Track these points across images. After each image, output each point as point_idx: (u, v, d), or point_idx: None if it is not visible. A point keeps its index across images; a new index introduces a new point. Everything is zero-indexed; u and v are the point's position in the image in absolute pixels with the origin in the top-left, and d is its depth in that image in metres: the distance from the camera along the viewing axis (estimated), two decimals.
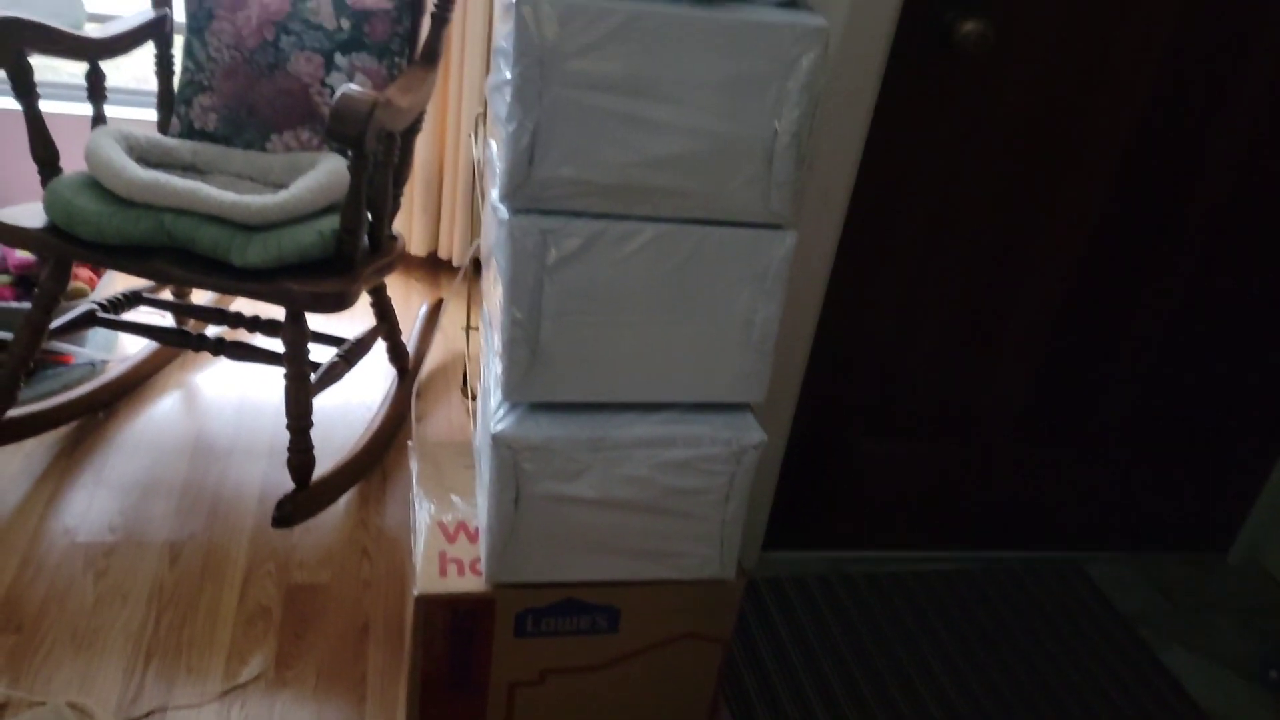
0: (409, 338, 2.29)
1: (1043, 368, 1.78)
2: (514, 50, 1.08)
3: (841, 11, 1.36)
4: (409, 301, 2.54)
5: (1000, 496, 1.92)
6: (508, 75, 1.11)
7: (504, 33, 1.16)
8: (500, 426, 1.23)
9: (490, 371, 1.35)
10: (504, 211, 1.17)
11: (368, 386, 2.20)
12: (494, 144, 1.31)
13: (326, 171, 1.74)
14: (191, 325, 2.19)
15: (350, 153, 1.61)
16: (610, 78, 1.10)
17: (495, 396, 1.27)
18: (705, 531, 1.33)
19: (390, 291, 2.06)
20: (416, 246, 2.65)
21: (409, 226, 2.62)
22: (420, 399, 2.19)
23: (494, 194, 1.23)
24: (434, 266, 2.71)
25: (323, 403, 2.10)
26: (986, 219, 1.62)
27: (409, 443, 1.59)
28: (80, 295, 2.10)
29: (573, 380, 1.26)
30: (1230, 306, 1.77)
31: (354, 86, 1.56)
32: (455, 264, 2.67)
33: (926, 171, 1.55)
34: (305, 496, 1.76)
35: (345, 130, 1.54)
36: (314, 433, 1.76)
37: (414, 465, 1.56)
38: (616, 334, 1.24)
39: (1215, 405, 1.88)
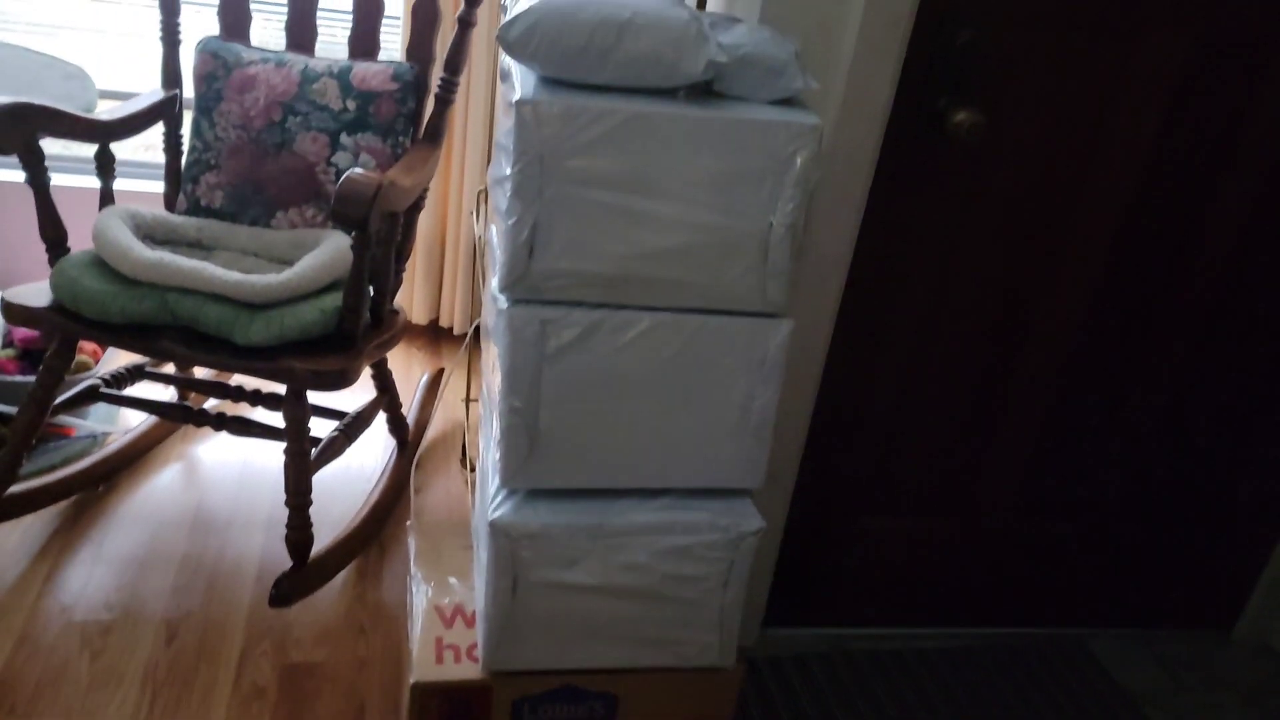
0: (409, 408, 2.30)
1: (1042, 443, 1.79)
2: (514, 148, 1.11)
3: (836, 100, 1.39)
4: (410, 370, 2.56)
5: (1002, 572, 1.91)
6: (508, 171, 1.13)
7: (505, 129, 1.19)
8: (498, 514, 1.23)
9: (489, 456, 1.35)
10: (503, 301, 1.19)
11: (367, 456, 2.20)
12: (494, 231, 1.33)
13: (330, 249, 1.77)
14: (193, 399, 2.20)
15: (354, 234, 1.63)
16: (609, 174, 1.13)
17: (493, 483, 1.28)
18: (704, 618, 1.33)
19: (392, 360, 2.08)
20: (418, 314, 2.67)
21: (410, 294, 2.65)
22: (419, 470, 2.19)
23: (494, 283, 1.25)
24: (435, 335, 2.73)
25: (322, 474, 2.10)
26: (983, 298, 1.63)
27: (407, 523, 1.58)
28: (84, 368, 2.11)
29: (571, 467, 1.26)
30: (1229, 380, 1.78)
31: (359, 170, 1.58)
32: (457, 332, 2.69)
33: (923, 252, 1.57)
34: (303, 574, 1.76)
35: (349, 213, 1.56)
36: (313, 504, 1.76)
37: (412, 545, 1.56)
38: (615, 421, 1.25)
39: (1217, 480, 1.87)
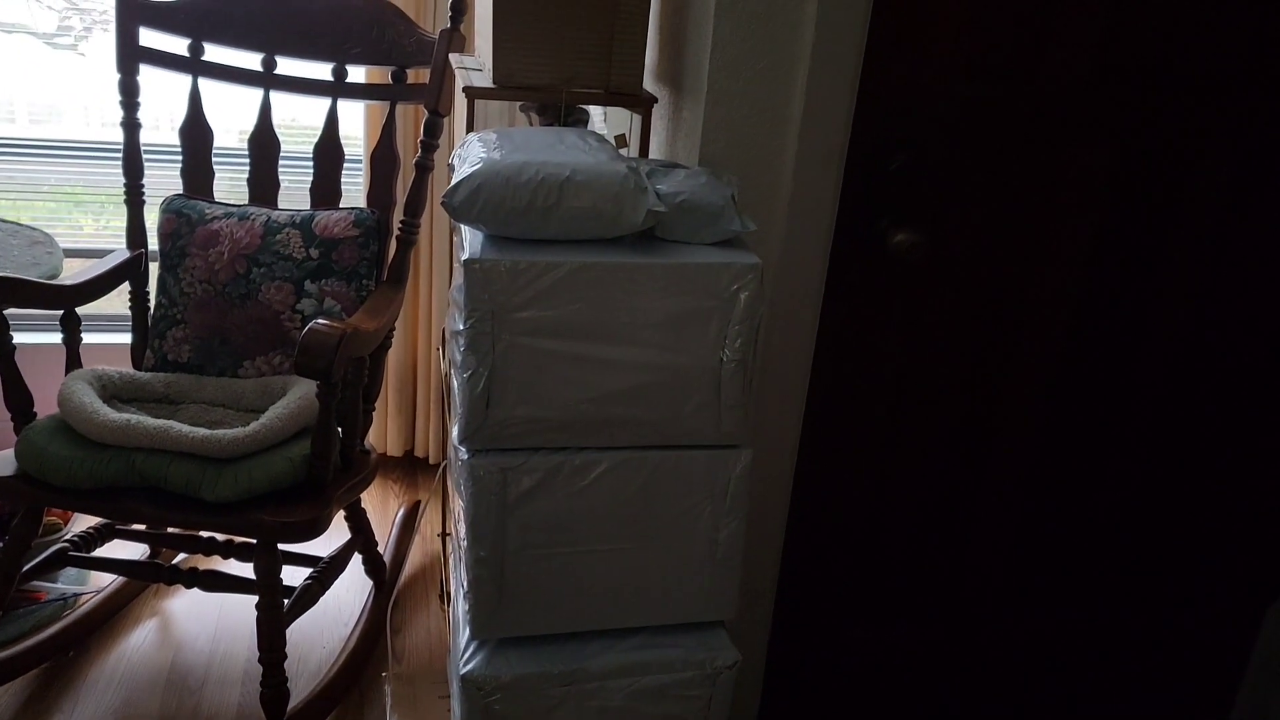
0: (386, 544, 2.28)
1: (1015, 541, 1.79)
2: (465, 304, 1.14)
3: (780, 231, 1.43)
4: (387, 503, 2.55)
5: (988, 672, 1.89)
6: (461, 326, 1.16)
7: (458, 284, 1.22)
8: (469, 667, 1.22)
9: (459, 604, 1.34)
10: (464, 453, 1.20)
11: (346, 596, 2.17)
12: (454, 382, 1.35)
13: (297, 397, 1.78)
14: (164, 554, 2.18)
15: (319, 383, 1.65)
16: (559, 323, 1.15)
17: (464, 634, 1.26)
18: None
19: (368, 494, 2.07)
20: (393, 446, 2.68)
21: (384, 427, 2.65)
22: (398, 608, 2.16)
23: (454, 433, 1.26)
24: (411, 466, 2.73)
25: (299, 619, 2.07)
26: (941, 407, 1.66)
27: (383, 674, 1.56)
28: (54, 530, 2.09)
29: (541, 612, 1.26)
30: (1185, 469, 1.80)
31: (322, 321, 1.61)
32: (432, 461, 2.69)
33: (879, 369, 1.60)
34: None
35: (314, 364, 1.58)
36: (290, 651, 1.73)
37: (388, 696, 1.53)
38: (582, 562, 1.25)
39: (1201, 571, 1.88)
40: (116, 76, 1.97)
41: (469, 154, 1.22)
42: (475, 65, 1.63)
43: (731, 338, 1.19)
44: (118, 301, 2.06)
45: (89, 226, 2.91)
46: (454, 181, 1.15)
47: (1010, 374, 1.66)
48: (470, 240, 1.17)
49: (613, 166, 1.16)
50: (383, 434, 2.66)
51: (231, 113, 2.49)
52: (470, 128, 1.47)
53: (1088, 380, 1.69)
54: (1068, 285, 1.61)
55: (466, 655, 1.24)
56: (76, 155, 2.72)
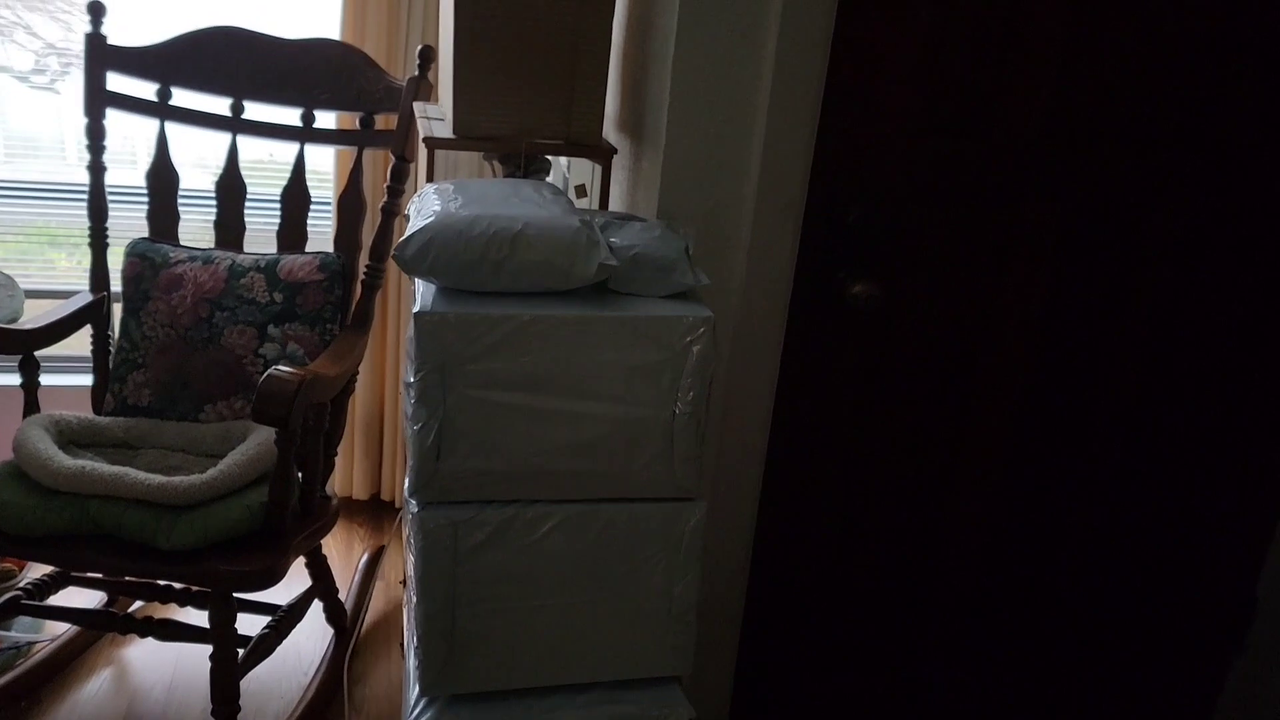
0: (348, 590, 2.25)
1: (974, 593, 1.79)
2: (415, 357, 1.13)
3: (739, 281, 1.44)
4: (352, 547, 2.52)
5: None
6: (412, 378, 1.15)
7: (409, 335, 1.21)
8: None
9: (409, 661, 1.32)
10: (414, 505, 1.19)
11: (306, 643, 2.14)
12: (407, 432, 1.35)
13: (256, 444, 1.76)
14: (121, 601, 2.14)
15: (277, 430, 1.63)
16: (510, 376, 1.15)
17: (413, 691, 1.25)
18: None
19: (333, 538, 2.05)
20: (359, 490, 2.65)
21: (350, 470, 2.63)
22: (358, 656, 2.13)
23: (406, 485, 1.25)
24: (377, 509, 2.70)
25: (256, 669, 2.03)
26: (904, 451, 1.66)
27: None
28: (8, 576, 2.06)
29: (493, 668, 1.24)
30: (1140, 516, 1.80)
31: (281, 368, 1.60)
32: (398, 505, 2.67)
33: (839, 415, 1.61)
34: None
35: (271, 411, 1.56)
36: (247, 701, 1.70)
37: None
38: (535, 617, 1.24)
39: (1167, 619, 1.88)
40: (84, 120, 1.97)
41: (424, 206, 1.23)
42: (438, 115, 1.64)
43: (684, 390, 1.19)
44: (81, 343, 2.05)
45: (62, 264, 2.89)
46: (406, 234, 1.15)
47: (968, 424, 1.66)
48: (422, 292, 1.16)
49: (565, 220, 1.17)
50: (349, 477, 2.64)
51: (205, 148, 2.49)
52: (430, 177, 1.47)
53: (1045, 431, 1.70)
54: (1024, 337, 1.62)
55: (416, 712, 1.22)
56: (51, 195, 2.71)
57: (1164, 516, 1.80)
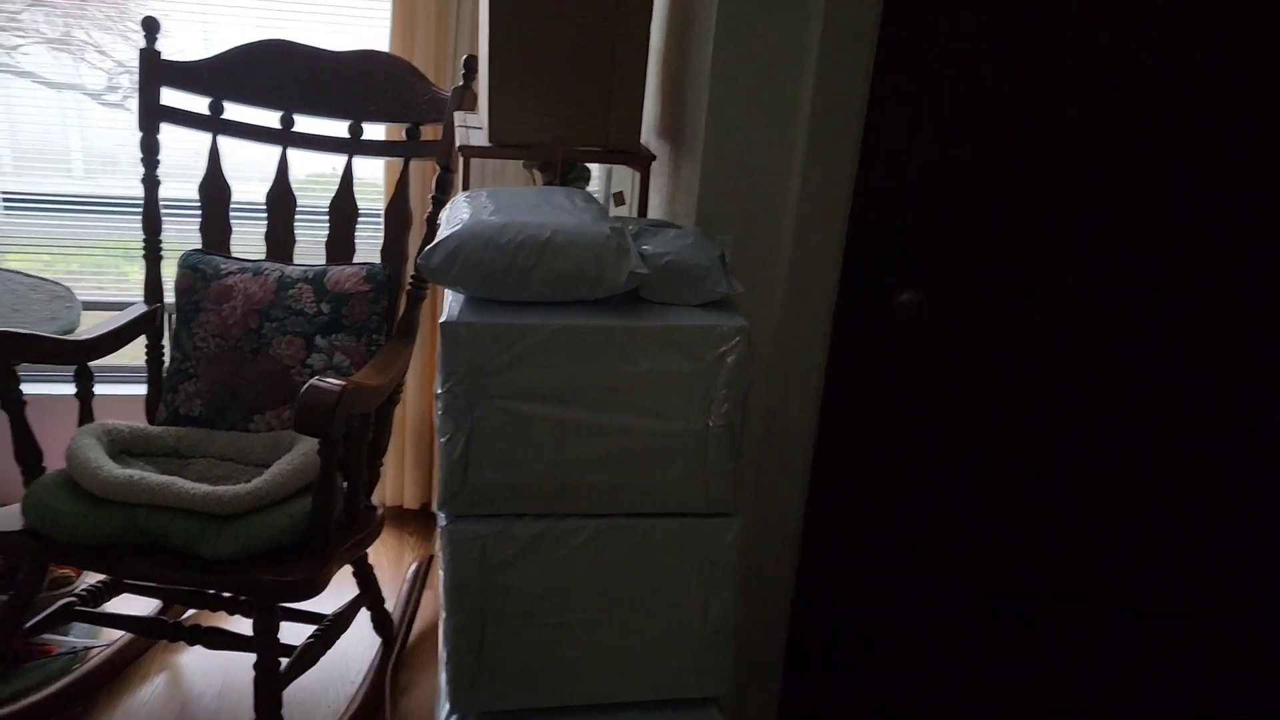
0: (396, 600, 2.25)
1: (1036, 595, 1.71)
2: (443, 367, 1.11)
3: (781, 289, 1.40)
4: (402, 556, 2.52)
5: None
6: (439, 389, 1.14)
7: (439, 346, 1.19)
8: None
9: (441, 676, 1.30)
10: (443, 519, 1.17)
11: (352, 655, 2.14)
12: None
13: (301, 454, 1.77)
14: (174, 609, 2.17)
15: (320, 441, 1.63)
16: (539, 387, 1.13)
17: (444, 707, 1.22)
18: None
19: (383, 546, 2.05)
20: (410, 499, 2.66)
21: (402, 479, 2.64)
22: (406, 667, 2.12)
23: (437, 497, 1.24)
24: (427, 519, 2.71)
25: (303, 677, 2.04)
26: (952, 462, 1.59)
27: None
28: (65, 583, 2.10)
29: (523, 686, 1.21)
30: (1193, 525, 1.71)
31: (321, 379, 1.60)
32: None
33: (887, 426, 1.55)
34: None
35: (313, 422, 1.56)
36: (294, 709, 1.70)
37: None
38: (566, 634, 1.21)
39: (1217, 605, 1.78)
40: (138, 135, 2.01)
41: (454, 214, 1.21)
42: (477, 123, 1.63)
43: (718, 402, 1.15)
44: (138, 353, 2.09)
45: (135, 277, 2.96)
46: (434, 242, 1.13)
47: (1018, 434, 1.59)
48: (450, 302, 1.15)
49: (595, 227, 1.14)
50: (400, 487, 2.65)
51: (262, 163, 2.53)
52: (466, 185, 1.46)
53: (1096, 437, 1.62)
54: (1073, 344, 1.55)
55: None
56: (125, 210, 2.77)
57: (1218, 521, 1.70)
